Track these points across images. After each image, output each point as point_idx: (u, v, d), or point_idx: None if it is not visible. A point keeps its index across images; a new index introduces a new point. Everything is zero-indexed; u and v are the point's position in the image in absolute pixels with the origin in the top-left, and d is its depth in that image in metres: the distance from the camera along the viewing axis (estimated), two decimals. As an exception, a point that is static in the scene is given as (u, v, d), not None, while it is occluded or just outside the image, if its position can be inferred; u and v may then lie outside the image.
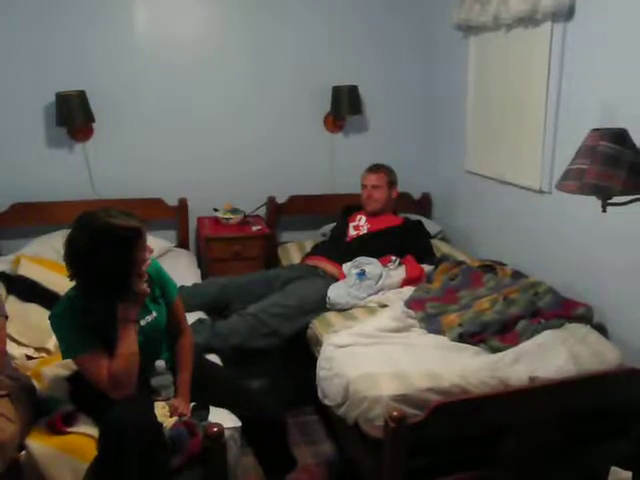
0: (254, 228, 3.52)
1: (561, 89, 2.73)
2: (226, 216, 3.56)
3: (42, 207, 3.45)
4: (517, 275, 2.87)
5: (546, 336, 2.30)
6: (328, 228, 3.71)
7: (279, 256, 3.62)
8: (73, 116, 3.32)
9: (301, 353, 2.82)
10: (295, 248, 3.64)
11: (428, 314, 2.53)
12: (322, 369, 2.35)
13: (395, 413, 1.90)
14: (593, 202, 2.00)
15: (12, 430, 1.65)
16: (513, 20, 2.88)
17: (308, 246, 3.59)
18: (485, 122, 3.34)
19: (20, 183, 3.44)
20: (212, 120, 3.69)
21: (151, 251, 1.95)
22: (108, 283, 1.82)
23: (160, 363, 1.90)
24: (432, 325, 2.46)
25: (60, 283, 2.59)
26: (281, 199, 3.81)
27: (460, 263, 3.05)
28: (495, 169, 3.26)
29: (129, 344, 1.81)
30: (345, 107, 3.73)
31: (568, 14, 2.63)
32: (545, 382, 2.08)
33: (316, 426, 2.81)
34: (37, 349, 2.26)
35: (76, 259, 1.80)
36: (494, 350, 2.26)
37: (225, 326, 2.62)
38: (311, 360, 2.61)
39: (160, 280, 2.02)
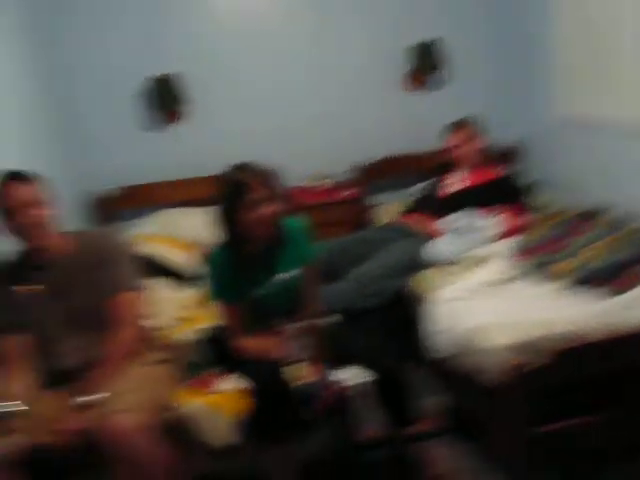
0: (346, 193, 3.60)
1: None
2: (316, 183, 3.65)
3: (145, 189, 3.64)
4: (621, 221, 2.80)
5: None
6: (417, 188, 3.72)
7: (373, 218, 3.68)
8: (167, 98, 3.49)
9: (400, 312, 2.90)
10: (388, 209, 3.68)
11: (535, 263, 2.55)
12: (430, 324, 2.43)
13: (514, 361, 1.96)
14: None
15: (167, 394, 1.86)
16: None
17: (399, 207, 3.62)
18: (578, 63, 3.20)
19: (116, 167, 3.62)
20: (295, 88, 3.76)
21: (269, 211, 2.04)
22: (225, 228, 2.03)
23: (295, 326, 2.03)
24: (540, 274, 2.48)
25: (180, 257, 2.82)
26: (369, 162, 3.86)
27: (560, 212, 3.02)
28: (593, 110, 3.14)
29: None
30: (426, 63, 3.70)
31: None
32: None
33: (430, 381, 2.88)
34: (174, 318, 2.45)
35: (215, 211, 2.05)
36: (611, 295, 2.25)
37: (332, 290, 2.73)
38: (411, 318, 2.69)
39: (297, 240, 2.16)
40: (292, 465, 1.91)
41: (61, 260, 1.96)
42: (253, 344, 2.02)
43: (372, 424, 2.35)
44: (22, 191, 1.87)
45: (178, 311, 2.48)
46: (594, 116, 3.15)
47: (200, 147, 3.73)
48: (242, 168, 2.02)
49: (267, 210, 1.99)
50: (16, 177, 1.91)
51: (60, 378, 1.92)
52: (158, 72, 3.47)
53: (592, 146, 3.26)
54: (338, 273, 2.95)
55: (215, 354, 2.19)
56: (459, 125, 3.37)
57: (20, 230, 1.89)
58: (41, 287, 1.93)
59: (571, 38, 3.24)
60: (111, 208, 3.60)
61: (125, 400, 1.71)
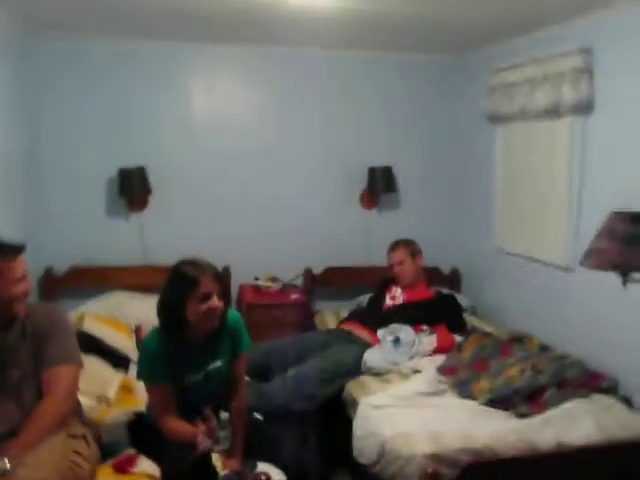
0: (293, 296, 3.74)
1: (584, 174, 2.97)
2: (266, 284, 3.79)
3: (98, 271, 3.73)
4: (545, 348, 3.01)
5: (573, 404, 2.43)
6: (363, 299, 3.90)
7: (316, 323, 3.81)
8: (133, 189, 3.66)
9: (335, 416, 2.95)
10: (331, 315, 3.83)
11: (460, 380, 2.68)
12: (359, 428, 2.50)
13: (430, 469, 2.03)
14: (616, 279, 2.18)
15: (87, 468, 1.83)
16: (538, 112, 3.15)
17: (343, 314, 3.78)
18: (512, 203, 3.57)
19: (79, 247, 3.74)
20: (255, 197, 4.02)
21: (220, 305, 2.14)
22: (168, 317, 2.12)
23: (225, 416, 2.07)
24: (464, 390, 2.60)
25: (119, 340, 2.85)
26: (317, 270, 4.04)
27: (489, 334, 3.20)
28: (523, 247, 3.46)
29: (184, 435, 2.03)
30: (380, 186, 4.01)
31: (588, 108, 2.90)
32: (572, 448, 2.19)
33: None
34: (98, 397, 2.45)
35: (160, 294, 2.17)
36: (522, 416, 2.39)
37: (268, 388, 2.79)
38: (346, 422, 2.75)
39: (235, 331, 2.26)
40: None
41: (9, 328, 1.96)
42: (180, 427, 2.05)
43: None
44: (13, 266, 1.86)
45: (108, 391, 2.48)
46: (524, 252, 3.46)
47: (157, 238, 3.88)
48: (195, 263, 2.16)
49: (215, 304, 2.11)
50: (5, 250, 1.89)
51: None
52: (126, 164, 3.67)
53: (521, 278, 3.53)
54: (275, 372, 3.02)
55: (134, 437, 2.20)
56: (397, 245, 3.64)
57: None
58: None
59: (508, 185, 3.62)
60: (62, 284, 3.67)
61: (42, 470, 1.70)
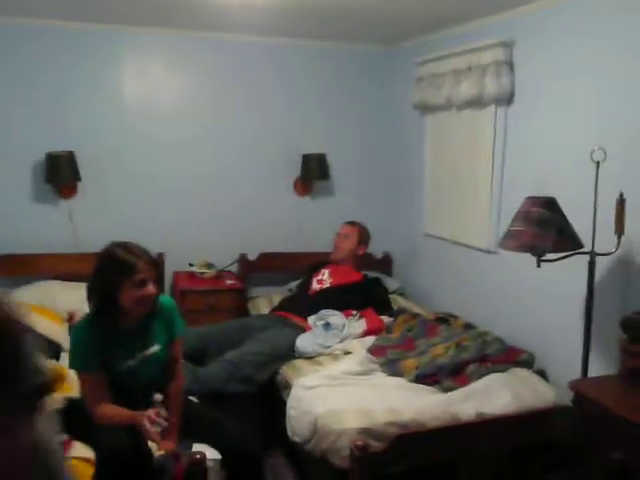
0: (228, 282, 3.76)
1: (504, 161, 3.14)
2: (201, 270, 3.80)
3: (25, 259, 3.63)
4: (468, 326, 3.17)
5: (492, 378, 2.59)
6: (294, 284, 3.99)
7: (249, 309, 3.85)
8: (61, 174, 3.58)
9: (269, 399, 3.02)
10: (264, 302, 3.88)
11: (389, 359, 2.80)
12: (292, 408, 2.57)
13: (359, 442, 2.13)
14: (532, 261, 2.34)
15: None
16: (463, 102, 3.30)
17: (276, 300, 3.84)
18: (439, 189, 3.72)
19: (6, 235, 3.63)
20: (189, 183, 3.99)
21: (154, 291, 2.15)
22: (100, 303, 2.09)
23: (158, 397, 2.08)
24: (392, 369, 2.72)
25: (50, 328, 2.81)
26: (252, 256, 4.08)
27: (417, 315, 3.35)
28: (448, 231, 3.62)
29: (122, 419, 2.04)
30: (313, 173, 4.08)
31: (509, 99, 3.07)
32: (490, 417, 2.35)
33: (285, 469, 2.97)
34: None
35: (89, 279, 2.11)
36: (447, 390, 2.53)
37: (204, 372, 2.82)
38: (279, 405, 2.83)
39: (169, 316, 2.25)
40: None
41: None
42: (117, 412, 2.05)
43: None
44: None
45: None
46: (449, 237, 3.62)
47: (87, 225, 3.80)
48: (129, 248, 2.13)
49: (150, 290, 2.10)
50: None
51: None
52: (54, 149, 3.57)
53: (447, 261, 3.70)
54: (212, 356, 3.05)
55: (66, 423, 2.18)
56: (355, 223, 3.86)
57: None
58: None
59: (436, 172, 3.76)
60: None
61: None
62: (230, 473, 2.26)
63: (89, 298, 2.17)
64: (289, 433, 2.55)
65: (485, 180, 3.24)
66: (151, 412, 1.97)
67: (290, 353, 3.08)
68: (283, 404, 2.86)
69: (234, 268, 4.09)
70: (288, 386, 2.83)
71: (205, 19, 3.48)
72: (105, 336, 2.13)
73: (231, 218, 4.10)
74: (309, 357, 3.03)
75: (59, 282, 3.53)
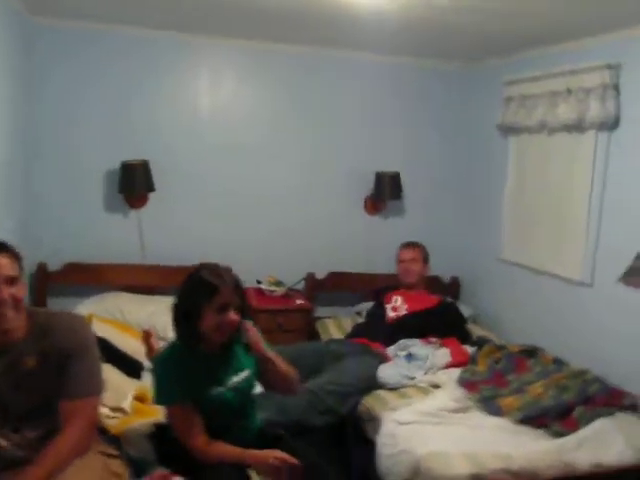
0: (297, 302, 3.63)
1: (604, 190, 2.97)
2: (271, 288, 3.67)
3: (94, 268, 3.55)
4: (559, 362, 2.99)
5: (602, 423, 2.40)
6: (363, 307, 3.83)
7: (318, 330, 3.71)
8: (135, 184, 3.49)
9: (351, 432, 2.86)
10: (333, 324, 3.74)
11: (484, 396, 2.63)
12: (385, 445, 2.42)
13: (475, 492, 1.97)
14: (634, 295, 2.15)
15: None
16: (559, 126, 3.14)
17: (345, 323, 3.70)
18: (524, 214, 3.55)
19: (75, 244, 3.56)
20: (258, 198, 3.89)
21: (236, 319, 2.01)
22: (183, 326, 1.97)
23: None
24: (490, 407, 2.56)
25: (130, 344, 2.70)
26: (320, 275, 3.95)
27: (501, 347, 3.17)
28: (533, 259, 3.44)
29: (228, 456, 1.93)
30: (386, 192, 3.94)
31: (613, 124, 2.90)
32: (610, 468, 2.17)
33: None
34: (113, 409, 2.30)
35: (175, 299, 2.00)
36: (556, 435, 2.35)
37: (287, 401, 2.67)
38: (358, 437, 2.68)
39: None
40: None
41: (17, 344, 1.78)
42: (224, 449, 1.92)
43: None
44: (8, 270, 1.71)
45: (124, 402, 2.33)
46: (533, 265, 3.44)
47: (155, 237, 3.72)
48: (216, 270, 2.01)
49: (231, 317, 1.96)
50: None
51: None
52: (124, 158, 3.49)
53: (527, 290, 3.52)
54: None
55: (160, 453, 2.06)
56: (414, 244, 3.66)
57: None
58: None
59: (519, 196, 3.60)
60: (56, 282, 3.50)
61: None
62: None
63: (174, 320, 2.05)
64: (382, 471, 2.39)
65: (581, 208, 3.07)
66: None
67: (372, 384, 2.92)
68: (364, 436, 2.73)
69: (300, 286, 3.96)
70: (372, 418, 2.68)
71: (278, 30, 3.38)
72: (189, 365, 1.99)
73: (299, 235, 3.98)
74: (393, 388, 2.87)
75: (127, 294, 3.43)
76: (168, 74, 3.64)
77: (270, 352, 2.08)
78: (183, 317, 1.97)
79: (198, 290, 1.94)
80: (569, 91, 3.06)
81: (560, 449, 2.23)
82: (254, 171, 3.86)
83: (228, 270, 2.02)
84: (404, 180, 4.01)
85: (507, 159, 3.68)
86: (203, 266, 2.01)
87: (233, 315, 1.95)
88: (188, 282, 2.00)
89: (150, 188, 3.57)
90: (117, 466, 1.79)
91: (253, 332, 2.03)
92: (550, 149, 3.30)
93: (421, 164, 4.11)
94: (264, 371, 2.12)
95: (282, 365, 2.11)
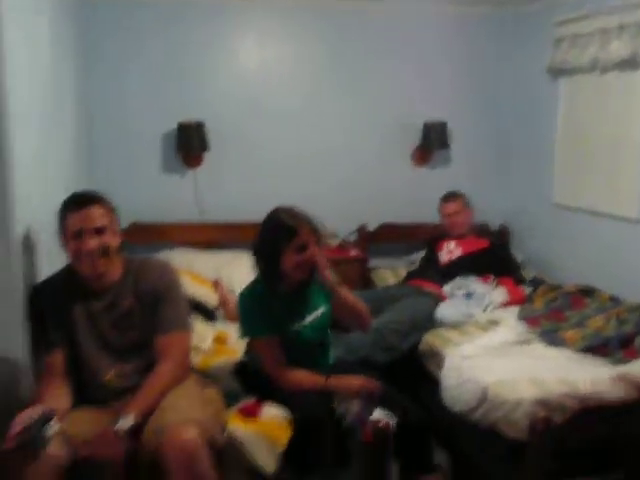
0: (352, 252, 3.73)
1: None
2: (327, 240, 3.77)
3: (154, 227, 3.70)
4: (615, 299, 3.03)
5: (664, 352, 2.46)
6: (415, 257, 3.92)
7: (373, 280, 3.81)
8: (191, 144, 3.61)
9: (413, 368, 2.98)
10: (388, 272, 3.84)
11: (545, 330, 2.71)
12: (450, 377, 2.53)
13: (542, 414, 2.07)
14: None
15: (224, 414, 1.86)
16: (611, 64, 3.12)
17: (400, 271, 3.79)
18: (576, 157, 3.55)
19: (136, 204, 3.69)
20: (307, 153, 3.97)
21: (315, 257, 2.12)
22: (264, 266, 2.12)
23: None
24: (553, 339, 2.63)
25: (204, 293, 2.86)
26: (371, 227, 4.03)
27: (557, 287, 3.22)
28: (587, 201, 3.46)
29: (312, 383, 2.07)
30: (434, 142, 3.97)
31: (669, 58, 2.88)
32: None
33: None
34: (195, 349, 2.44)
35: (255, 243, 2.15)
36: (618, 362, 2.42)
37: (353, 340, 2.80)
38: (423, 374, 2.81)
39: None
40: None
41: (114, 287, 1.94)
42: (301, 377, 2.06)
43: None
44: (88, 215, 1.85)
45: (205, 343, 2.50)
46: (587, 207, 3.46)
47: (212, 195, 3.86)
48: (292, 213, 2.13)
49: (310, 255, 2.09)
50: (81, 199, 1.89)
51: (99, 401, 1.91)
52: (182, 119, 3.61)
53: (582, 232, 3.54)
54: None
55: (245, 385, 2.22)
56: (452, 196, 3.66)
57: (80, 256, 1.86)
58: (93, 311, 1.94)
59: (571, 139, 3.59)
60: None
61: (188, 412, 1.71)
62: (400, 441, 2.24)
63: (255, 262, 2.18)
64: (447, 402, 2.51)
65: (636, 145, 3.07)
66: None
67: (429, 322, 3.03)
68: (425, 373, 2.84)
69: (352, 238, 4.05)
70: (435, 355, 2.79)
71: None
72: (271, 301, 2.13)
73: (349, 188, 4.05)
74: (452, 326, 2.97)
75: (191, 250, 3.57)
76: (216, 38, 3.72)
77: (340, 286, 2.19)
78: (264, 258, 2.10)
79: (278, 232, 2.07)
80: (621, 27, 3.03)
81: (626, 373, 2.29)
82: (303, 128, 3.94)
83: (303, 212, 2.13)
84: (451, 129, 4.03)
85: (556, 102, 3.67)
86: (280, 209, 2.13)
87: (311, 253, 2.06)
88: (267, 225, 2.12)
89: (205, 147, 3.68)
90: (212, 393, 1.94)
91: (324, 264, 2.12)
92: (603, 88, 3.28)
93: (468, 112, 4.12)
94: (337, 305, 2.24)
95: (352, 297, 2.22)
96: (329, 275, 2.11)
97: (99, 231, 1.87)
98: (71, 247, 1.88)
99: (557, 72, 3.60)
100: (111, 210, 1.95)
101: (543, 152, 3.83)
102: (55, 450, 1.63)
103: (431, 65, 4.02)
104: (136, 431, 1.73)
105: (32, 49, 2.25)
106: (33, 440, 1.58)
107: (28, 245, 2.01)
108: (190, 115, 3.64)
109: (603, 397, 2.21)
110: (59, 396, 1.84)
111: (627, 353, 2.47)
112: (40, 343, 1.94)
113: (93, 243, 1.85)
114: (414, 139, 4.07)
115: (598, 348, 2.50)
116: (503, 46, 4.07)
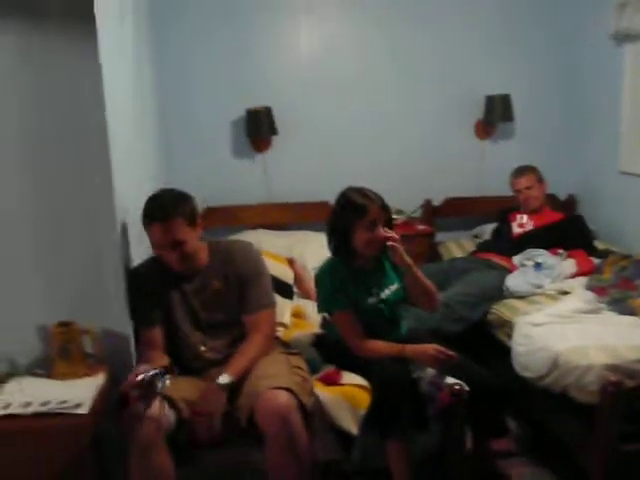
0: (419, 227, 3.83)
1: None
2: (393, 216, 3.87)
3: (230, 210, 3.90)
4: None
5: None
6: (483, 229, 3.96)
7: (442, 254, 3.90)
8: (260, 129, 3.77)
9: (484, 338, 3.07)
10: (455, 246, 3.92)
11: (614, 298, 2.75)
12: (520, 345, 2.61)
13: (613, 378, 2.13)
14: None
15: (310, 381, 2.04)
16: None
17: (466, 245, 3.86)
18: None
19: (209, 189, 3.87)
20: (373, 131, 4.06)
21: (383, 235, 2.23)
22: (337, 243, 2.25)
23: None
24: (622, 308, 2.67)
25: (281, 270, 3.03)
26: (436, 202, 4.11)
27: (627, 256, 3.22)
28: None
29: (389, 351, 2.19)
30: (497, 115, 3.99)
31: None
32: None
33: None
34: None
35: (328, 221, 2.29)
36: (689, 330, 2.45)
37: (423, 312, 2.91)
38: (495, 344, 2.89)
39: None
40: (408, 459, 2.06)
41: (202, 271, 2.11)
42: (382, 346, 2.20)
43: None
44: (160, 233, 1.99)
45: (284, 317, 2.67)
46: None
47: (281, 178, 4.02)
48: (362, 192, 2.25)
49: (381, 232, 2.21)
50: (161, 212, 2.00)
51: (196, 371, 2.11)
52: (249, 105, 3.77)
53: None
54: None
55: (324, 355, 2.38)
56: (525, 170, 3.63)
57: (164, 260, 2.06)
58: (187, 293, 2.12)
59: (637, 99, 3.54)
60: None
61: (279, 380, 1.89)
62: (475, 407, 2.34)
63: (329, 239, 2.32)
64: (518, 369, 2.60)
65: None
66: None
67: (498, 293, 3.11)
68: (496, 344, 2.93)
69: (418, 214, 4.13)
70: (506, 324, 2.87)
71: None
72: (347, 277, 2.27)
73: (411, 163, 4.11)
74: (520, 297, 3.04)
75: (264, 230, 3.76)
76: (282, 20, 3.88)
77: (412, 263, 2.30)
78: (337, 236, 2.24)
79: (349, 210, 2.20)
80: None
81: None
82: (365, 105, 4.02)
83: (373, 191, 2.25)
84: (514, 101, 4.03)
85: (621, 69, 3.62)
86: (350, 189, 2.26)
87: (382, 230, 2.19)
88: (339, 204, 2.26)
89: (273, 132, 3.84)
90: (297, 361, 2.11)
91: (396, 242, 2.24)
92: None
93: (531, 84, 4.11)
94: (407, 284, 2.36)
95: (423, 277, 2.34)
96: (403, 255, 2.23)
97: (179, 243, 2.01)
98: (156, 252, 2.07)
99: (622, 38, 3.54)
100: (192, 216, 2.07)
101: (608, 120, 3.79)
102: (161, 411, 1.83)
103: (494, 36, 4.02)
104: (231, 398, 1.93)
105: (121, 46, 2.42)
106: (151, 386, 1.77)
107: (125, 233, 2.21)
108: (256, 101, 3.80)
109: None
110: (162, 364, 2.04)
111: (699, 320, 2.49)
112: (141, 321, 2.13)
113: (173, 256, 2.02)
114: (477, 112, 4.10)
115: (670, 316, 2.53)
116: (565, 13, 4.02)
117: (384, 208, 2.27)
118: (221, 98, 3.88)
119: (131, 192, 2.28)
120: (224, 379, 1.93)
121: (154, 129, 3.31)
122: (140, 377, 1.76)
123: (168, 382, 1.82)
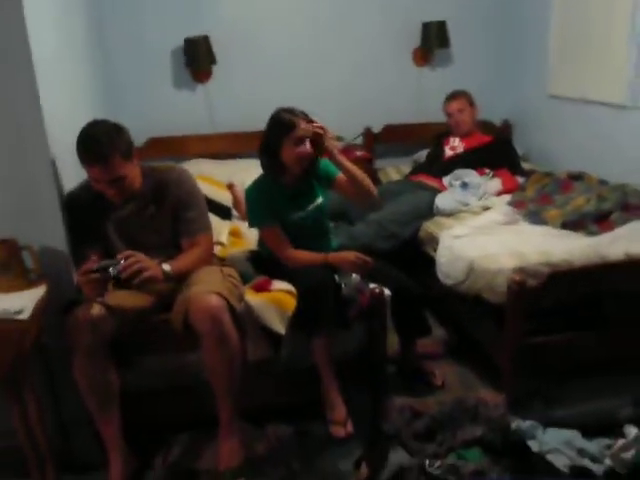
0: (358, 153, 3.96)
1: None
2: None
3: (168, 141, 3.95)
4: (603, 182, 3.24)
5: (637, 224, 2.70)
6: (420, 154, 4.12)
7: (380, 178, 4.06)
8: (198, 59, 3.80)
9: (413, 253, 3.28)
10: (394, 171, 4.08)
11: (530, 211, 2.97)
12: (442, 256, 2.83)
13: (517, 278, 2.36)
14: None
15: (241, 288, 2.21)
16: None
17: (405, 170, 4.03)
18: (569, 45, 3.66)
19: (149, 120, 3.91)
20: (312, 58, 4.13)
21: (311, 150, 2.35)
22: (267, 161, 2.37)
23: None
24: (536, 219, 2.90)
25: (219, 194, 3.16)
26: (375, 129, 4.23)
27: (549, 174, 3.44)
28: (578, 90, 3.60)
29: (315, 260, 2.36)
30: (434, 42, 4.09)
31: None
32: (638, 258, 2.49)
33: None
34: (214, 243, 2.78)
35: (260, 143, 2.40)
36: (593, 234, 2.68)
37: (355, 230, 3.10)
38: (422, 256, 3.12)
39: (325, 169, 2.50)
40: (331, 355, 2.28)
41: (140, 195, 2.18)
42: (307, 256, 2.38)
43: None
44: (100, 173, 2.01)
45: (221, 237, 2.82)
46: (579, 96, 3.61)
47: (223, 107, 4.07)
48: (291, 111, 2.37)
49: (307, 147, 2.34)
50: (95, 153, 1.98)
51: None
52: (189, 34, 3.78)
53: (576, 121, 3.71)
54: (353, 218, 3.32)
55: (257, 268, 2.54)
56: (456, 94, 3.76)
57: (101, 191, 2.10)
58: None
59: (564, 31, 3.68)
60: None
61: (211, 285, 2.05)
62: (398, 310, 2.56)
63: (260, 157, 2.43)
64: (441, 277, 2.81)
65: (622, 33, 3.17)
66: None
67: (429, 213, 3.30)
68: (425, 258, 3.14)
69: (359, 141, 4.26)
70: (433, 239, 3.07)
71: None
72: (274, 193, 2.41)
73: (350, 90, 4.21)
74: (449, 214, 3.24)
75: (206, 160, 3.84)
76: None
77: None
78: (267, 152, 2.36)
79: (277, 127, 2.32)
80: None
81: (595, 244, 2.56)
82: (303, 33, 4.07)
83: (302, 111, 2.37)
84: (450, 28, 4.13)
85: (551, -6, 3.74)
86: (280, 109, 2.37)
87: (308, 146, 2.32)
88: (269, 123, 2.37)
89: (213, 61, 3.86)
90: (230, 271, 2.28)
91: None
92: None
93: (466, 10, 4.20)
94: (342, 181, 2.50)
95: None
96: (331, 142, 2.37)
97: (119, 179, 2.05)
98: (95, 186, 2.09)
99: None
100: (128, 150, 2.08)
101: (538, 46, 3.93)
102: (102, 316, 1.97)
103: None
104: (166, 308, 2.08)
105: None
106: (105, 272, 1.89)
107: (59, 154, 2.23)
108: (195, 28, 3.80)
109: (574, 263, 2.48)
110: None
111: (602, 226, 2.72)
112: (78, 241, 2.21)
113: (112, 191, 2.07)
114: (414, 39, 4.18)
115: (576, 223, 2.75)
116: None
117: (310, 121, 2.39)
118: (161, 26, 3.86)
119: (63, 106, 2.31)
120: (165, 266, 2.07)
121: (89, 52, 3.26)
122: (93, 263, 1.89)
123: (120, 266, 1.93)
